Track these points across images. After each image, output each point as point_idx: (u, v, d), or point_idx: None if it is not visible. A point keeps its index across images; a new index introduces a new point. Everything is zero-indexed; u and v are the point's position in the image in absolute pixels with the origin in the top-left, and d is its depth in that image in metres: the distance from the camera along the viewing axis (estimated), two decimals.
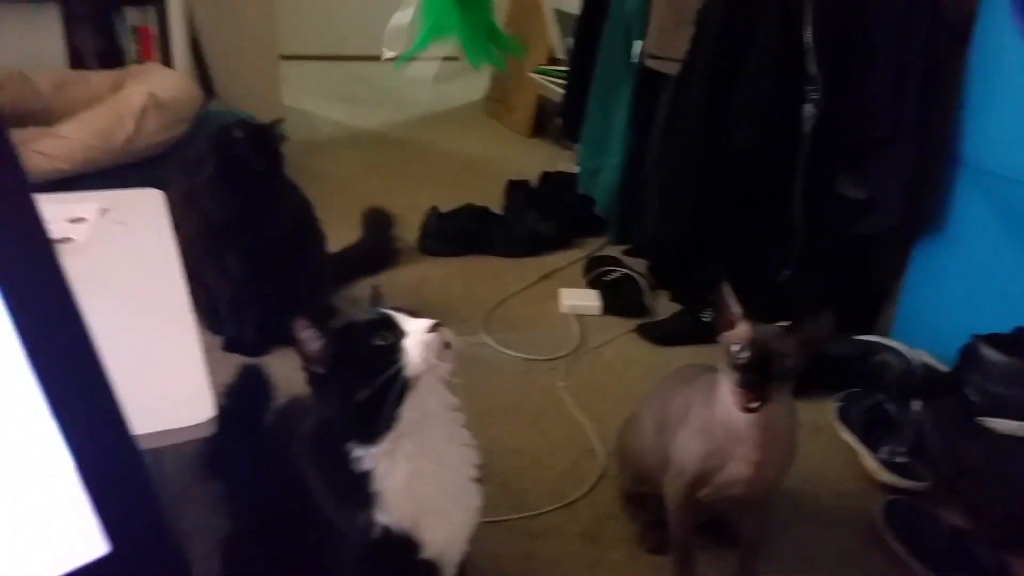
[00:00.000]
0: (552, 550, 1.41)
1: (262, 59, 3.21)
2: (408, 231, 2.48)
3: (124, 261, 1.25)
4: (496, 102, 3.92)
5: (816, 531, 1.49)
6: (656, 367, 1.94)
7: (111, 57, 2.69)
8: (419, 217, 2.53)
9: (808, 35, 1.86)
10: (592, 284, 2.33)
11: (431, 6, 2.97)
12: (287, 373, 1.24)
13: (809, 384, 1.64)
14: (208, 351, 1.02)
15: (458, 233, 2.51)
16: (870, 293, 2.11)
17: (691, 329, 2.06)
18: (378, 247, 2.37)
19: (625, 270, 2.35)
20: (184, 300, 1.12)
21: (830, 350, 1.83)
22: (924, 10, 1.80)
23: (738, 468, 1.19)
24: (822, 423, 1.78)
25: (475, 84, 3.99)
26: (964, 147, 1.80)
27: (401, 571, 0.96)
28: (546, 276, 2.41)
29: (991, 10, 1.71)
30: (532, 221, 2.58)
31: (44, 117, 2.40)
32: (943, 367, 1.82)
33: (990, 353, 1.60)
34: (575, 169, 2.79)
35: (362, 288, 2.18)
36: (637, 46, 2.33)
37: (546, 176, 2.90)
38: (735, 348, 1.13)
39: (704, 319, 2.03)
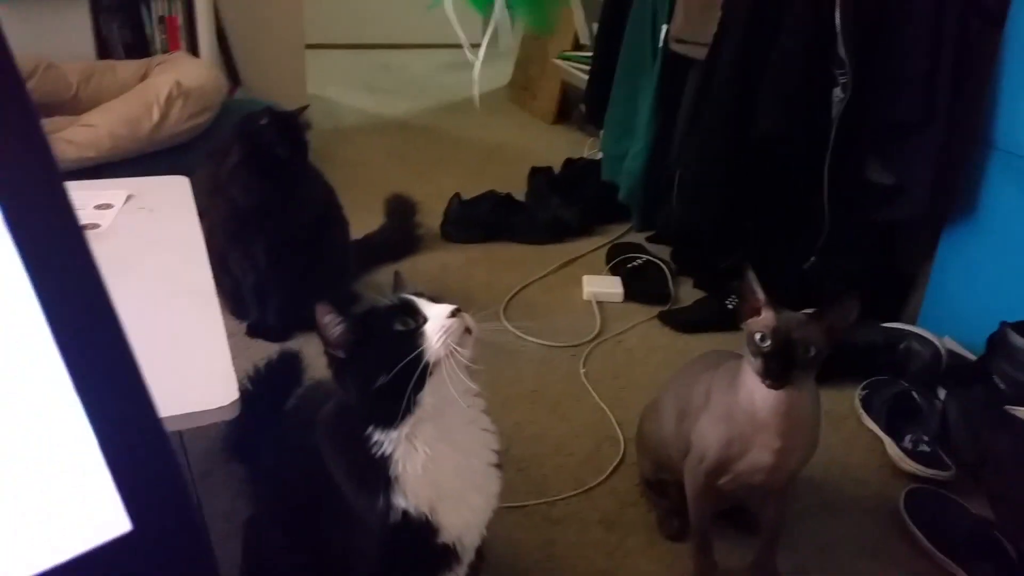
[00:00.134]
0: (571, 536, 1.42)
1: (287, 48, 3.22)
2: (431, 218, 2.49)
3: (150, 247, 1.27)
4: (520, 88, 3.90)
5: (837, 520, 1.48)
6: (679, 354, 1.94)
7: (138, 47, 2.72)
8: (442, 204, 2.53)
9: (838, 17, 1.83)
10: (615, 271, 2.33)
11: None
12: (310, 359, 1.26)
13: (833, 371, 1.63)
14: (232, 336, 1.04)
15: (481, 220, 2.51)
16: (897, 280, 2.08)
17: (715, 316, 2.04)
18: (401, 233, 2.37)
19: (648, 256, 2.34)
20: (209, 285, 1.14)
21: (855, 337, 1.82)
22: None
23: (759, 455, 1.18)
24: (845, 411, 1.76)
25: (501, 71, 3.98)
26: (995, 132, 1.77)
27: (419, 555, 0.96)
28: (568, 263, 2.41)
29: None
30: (555, 208, 2.57)
31: (72, 106, 2.43)
32: (970, 355, 1.79)
33: (1019, 340, 1.58)
34: (598, 156, 2.78)
35: (385, 274, 2.19)
36: (663, 30, 2.31)
37: (569, 163, 2.89)
38: (758, 336, 1.12)
39: (728, 306, 2.02)
